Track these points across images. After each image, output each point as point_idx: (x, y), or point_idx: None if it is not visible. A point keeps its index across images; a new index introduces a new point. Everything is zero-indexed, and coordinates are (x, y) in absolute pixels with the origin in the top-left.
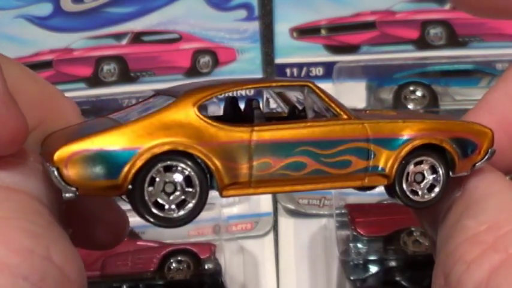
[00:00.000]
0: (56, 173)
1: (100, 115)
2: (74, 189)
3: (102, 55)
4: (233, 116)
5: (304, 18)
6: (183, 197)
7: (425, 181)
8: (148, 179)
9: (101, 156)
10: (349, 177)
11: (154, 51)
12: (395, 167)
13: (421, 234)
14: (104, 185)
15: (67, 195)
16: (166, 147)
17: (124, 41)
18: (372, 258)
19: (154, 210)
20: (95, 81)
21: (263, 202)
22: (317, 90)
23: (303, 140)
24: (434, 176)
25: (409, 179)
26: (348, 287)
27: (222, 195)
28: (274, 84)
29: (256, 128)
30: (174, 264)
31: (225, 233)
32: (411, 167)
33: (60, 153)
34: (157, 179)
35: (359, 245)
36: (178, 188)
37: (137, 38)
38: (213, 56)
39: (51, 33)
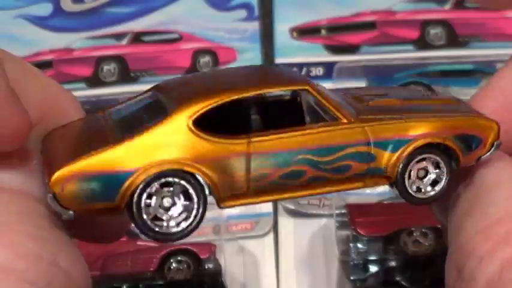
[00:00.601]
0: (52, 198)
1: (98, 110)
2: (71, 212)
3: (102, 55)
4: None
5: (304, 18)
6: (180, 211)
7: (428, 177)
8: (145, 197)
9: (97, 179)
10: (349, 180)
11: (154, 51)
12: (396, 167)
13: (421, 234)
14: (101, 207)
15: (64, 216)
16: (163, 168)
17: (124, 41)
18: (372, 258)
19: (153, 226)
20: (95, 81)
21: None
22: (315, 94)
23: (302, 148)
24: (437, 171)
25: (412, 177)
26: (348, 287)
27: (220, 207)
28: (271, 90)
29: (253, 140)
30: (174, 264)
31: (225, 233)
32: (413, 165)
33: (56, 178)
34: (155, 196)
35: (359, 245)
36: (176, 202)
37: (137, 38)
38: (213, 56)
39: (51, 33)
